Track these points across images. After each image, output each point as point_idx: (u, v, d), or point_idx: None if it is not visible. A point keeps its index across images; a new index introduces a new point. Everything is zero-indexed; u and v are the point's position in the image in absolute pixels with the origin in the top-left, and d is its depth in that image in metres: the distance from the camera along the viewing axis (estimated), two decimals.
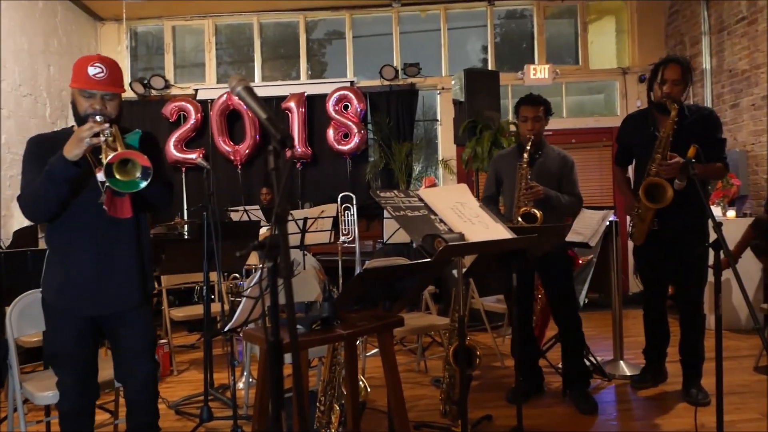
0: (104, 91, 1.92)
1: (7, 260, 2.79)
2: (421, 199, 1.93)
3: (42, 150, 1.90)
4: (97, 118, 1.84)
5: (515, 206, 2.89)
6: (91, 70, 1.89)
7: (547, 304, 3.53)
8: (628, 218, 3.04)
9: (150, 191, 1.89)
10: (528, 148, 2.91)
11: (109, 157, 1.72)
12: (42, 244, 4.25)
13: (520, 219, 2.84)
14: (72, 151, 1.77)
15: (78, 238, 1.96)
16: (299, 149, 6.26)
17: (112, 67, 1.95)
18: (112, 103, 1.95)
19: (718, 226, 2.08)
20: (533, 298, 3.24)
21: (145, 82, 6.46)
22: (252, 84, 1.08)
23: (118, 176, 1.73)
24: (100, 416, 2.87)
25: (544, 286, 3.12)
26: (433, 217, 1.85)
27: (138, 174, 1.76)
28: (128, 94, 6.57)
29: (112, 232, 1.97)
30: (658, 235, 2.91)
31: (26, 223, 5.03)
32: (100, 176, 1.90)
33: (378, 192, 1.84)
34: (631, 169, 3.19)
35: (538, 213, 2.83)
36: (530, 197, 2.85)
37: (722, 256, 2.10)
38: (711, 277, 2.60)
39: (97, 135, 1.77)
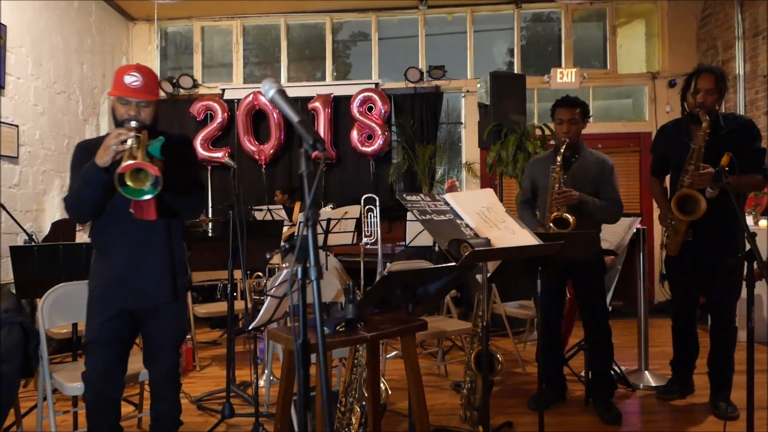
0: (139, 99, 2.01)
1: (41, 253, 2.87)
2: (447, 203, 1.93)
3: (87, 155, 1.99)
4: (132, 123, 1.93)
5: (547, 211, 2.83)
6: (127, 79, 1.99)
7: (573, 311, 3.48)
8: (663, 229, 2.97)
9: (171, 199, 2.03)
10: (562, 151, 2.84)
11: (120, 167, 1.79)
12: (79, 238, 4.38)
13: (551, 224, 2.79)
14: (102, 158, 1.88)
15: (116, 238, 2.09)
16: (330, 152, 6.32)
17: (147, 76, 2.04)
18: (146, 110, 2.04)
19: (751, 236, 2.04)
20: (564, 304, 3.18)
21: (174, 81, 6.57)
22: (275, 80, 1.09)
23: (130, 184, 1.80)
24: (125, 408, 2.93)
25: (575, 292, 3.07)
26: (459, 221, 1.85)
27: (149, 183, 1.82)
28: None
29: (146, 233, 2.09)
30: (692, 245, 2.84)
31: (62, 216, 5.17)
32: None
33: (404, 195, 1.85)
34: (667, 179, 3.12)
35: (570, 218, 2.75)
36: (562, 202, 2.78)
37: (755, 267, 2.05)
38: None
39: (123, 142, 1.85)
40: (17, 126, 4.71)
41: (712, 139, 2.70)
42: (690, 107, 2.81)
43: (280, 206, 5.53)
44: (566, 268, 2.84)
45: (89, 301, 2.16)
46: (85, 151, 2.05)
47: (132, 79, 1.98)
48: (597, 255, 2.95)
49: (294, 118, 1.15)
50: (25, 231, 4.07)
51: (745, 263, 2.09)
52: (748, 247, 2.03)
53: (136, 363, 2.30)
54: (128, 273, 2.07)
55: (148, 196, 1.84)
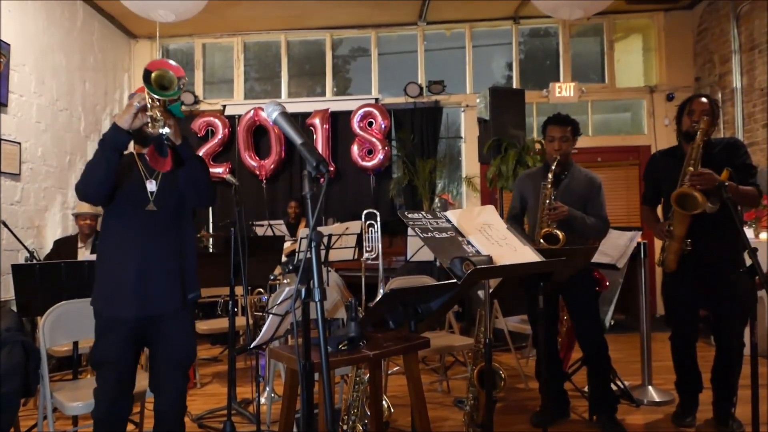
0: None
1: (42, 271, 2.87)
2: (448, 221, 1.93)
3: None
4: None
5: (538, 226, 2.86)
6: None
7: (572, 327, 3.47)
8: (660, 246, 2.95)
9: (193, 163, 2.13)
10: (553, 168, 2.88)
11: (148, 64, 1.88)
12: (81, 255, 4.34)
13: (542, 240, 2.79)
14: (123, 117, 1.95)
15: (126, 244, 2.09)
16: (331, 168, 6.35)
17: None
18: None
19: (753, 251, 2.04)
20: (558, 319, 3.18)
21: None
22: (278, 101, 1.11)
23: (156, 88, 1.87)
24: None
25: (568, 309, 3.07)
26: (460, 239, 1.85)
27: (175, 86, 1.89)
28: None
29: (157, 239, 2.11)
30: (692, 263, 2.79)
31: (63, 233, 5.17)
32: (150, 186, 2.09)
33: (406, 213, 1.85)
34: (659, 210, 3.11)
35: (560, 234, 2.77)
36: (553, 218, 2.82)
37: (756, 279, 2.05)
38: None
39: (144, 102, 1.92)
40: (20, 143, 4.73)
41: (707, 157, 2.74)
42: (686, 127, 2.87)
43: (281, 222, 5.53)
44: (556, 284, 2.84)
45: (96, 319, 2.12)
46: None
47: None
48: (586, 270, 2.95)
49: (297, 140, 1.16)
50: (26, 248, 4.07)
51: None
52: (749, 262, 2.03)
53: (142, 381, 2.28)
54: (137, 278, 2.07)
55: (174, 96, 1.88)
